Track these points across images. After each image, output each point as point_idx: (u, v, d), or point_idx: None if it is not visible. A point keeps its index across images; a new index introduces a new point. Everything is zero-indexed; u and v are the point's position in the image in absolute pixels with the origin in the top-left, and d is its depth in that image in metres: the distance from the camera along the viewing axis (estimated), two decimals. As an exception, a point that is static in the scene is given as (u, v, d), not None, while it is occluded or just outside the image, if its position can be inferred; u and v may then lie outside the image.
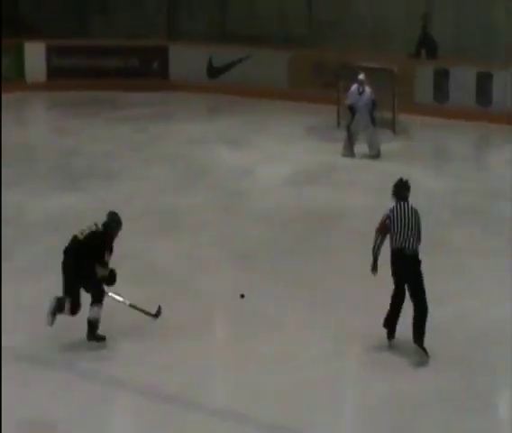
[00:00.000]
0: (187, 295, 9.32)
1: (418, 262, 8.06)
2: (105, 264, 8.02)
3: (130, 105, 18.47)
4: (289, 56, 20.03)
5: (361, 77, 14.79)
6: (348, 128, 14.79)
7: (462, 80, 18.06)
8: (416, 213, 8.19)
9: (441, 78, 18.48)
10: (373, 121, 14.75)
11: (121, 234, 8.25)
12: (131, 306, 8.36)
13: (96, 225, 8.14)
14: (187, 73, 20.38)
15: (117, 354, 8.06)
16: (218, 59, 20.66)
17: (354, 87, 14.87)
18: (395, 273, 8.11)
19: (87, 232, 8.08)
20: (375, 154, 14.72)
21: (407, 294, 8.11)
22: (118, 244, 8.27)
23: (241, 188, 13.29)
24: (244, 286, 9.30)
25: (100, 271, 8.01)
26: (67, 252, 8.08)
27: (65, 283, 8.03)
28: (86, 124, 17.04)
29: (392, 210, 8.20)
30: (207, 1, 21.48)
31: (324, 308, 8.98)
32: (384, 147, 14.92)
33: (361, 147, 14.80)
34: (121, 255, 8.46)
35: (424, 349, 7.99)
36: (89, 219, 8.36)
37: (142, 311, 8.41)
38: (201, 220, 11.71)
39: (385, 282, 8.17)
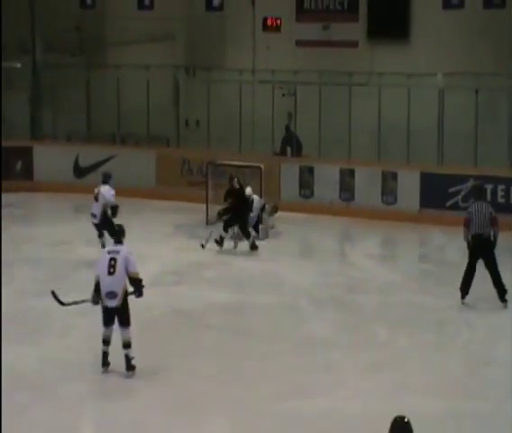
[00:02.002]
0: (53, 401, 8.93)
1: (493, 243, 11.62)
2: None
3: (-7, 207, 17.95)
4: (157, 155, 20.10)
5: (249, 190, 15.59)
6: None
7: (326, 177, 18.57)
8: (488, 207, 11.79)
9: (306, 175, 18.94)
10: (259, 222, 15.77)
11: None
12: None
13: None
14: (52, 173, 20.12)
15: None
16: (85, 158, 20.50)
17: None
18: (472, 252, 11.65)
19: None
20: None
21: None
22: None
23: (107, 288, 12.99)
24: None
25: None
26: None
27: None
28: None
29: (471, 207, 11.83)
30: (71, 101, 21.37)
31: (188, 412, 8.77)
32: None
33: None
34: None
35: (505, 301, 11.67)
36: None
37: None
38: (66, 323, 11.34)
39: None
